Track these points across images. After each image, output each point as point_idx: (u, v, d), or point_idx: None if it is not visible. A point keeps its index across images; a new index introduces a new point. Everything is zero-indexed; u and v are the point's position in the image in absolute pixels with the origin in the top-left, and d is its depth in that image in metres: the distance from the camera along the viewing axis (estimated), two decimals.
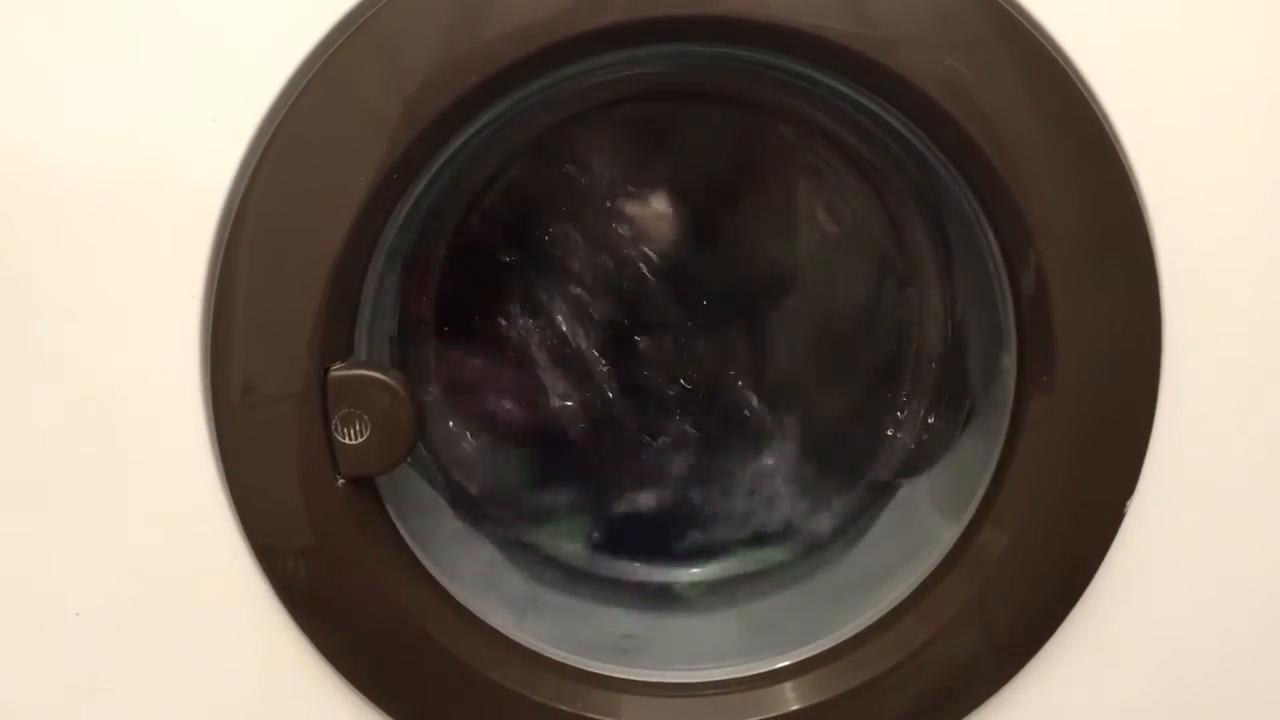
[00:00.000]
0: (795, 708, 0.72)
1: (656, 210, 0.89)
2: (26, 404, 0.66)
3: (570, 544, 0.90)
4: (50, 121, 0.63)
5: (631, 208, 0.89)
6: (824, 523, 0.89)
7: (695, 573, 0.90)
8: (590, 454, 0.92)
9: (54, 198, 0.64)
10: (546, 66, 0.64)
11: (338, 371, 0.66)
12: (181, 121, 0.63)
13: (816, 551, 0.88)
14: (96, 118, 0.63)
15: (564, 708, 0.71)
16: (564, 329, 0.90)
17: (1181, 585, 0.72)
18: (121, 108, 0.63)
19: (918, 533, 0.79)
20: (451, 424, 0.90)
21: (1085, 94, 0.64)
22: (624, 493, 0.91)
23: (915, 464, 0.88)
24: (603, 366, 0.91)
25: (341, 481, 0.67)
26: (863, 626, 0.73)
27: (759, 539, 0.90)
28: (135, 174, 0.63)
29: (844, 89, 0.68)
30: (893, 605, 0.74)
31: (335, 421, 0.66)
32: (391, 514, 0.71)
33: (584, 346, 0.91)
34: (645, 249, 0.88)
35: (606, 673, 0.73)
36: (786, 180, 0.90)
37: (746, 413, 0.92)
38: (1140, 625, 0.72)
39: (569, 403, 0.92)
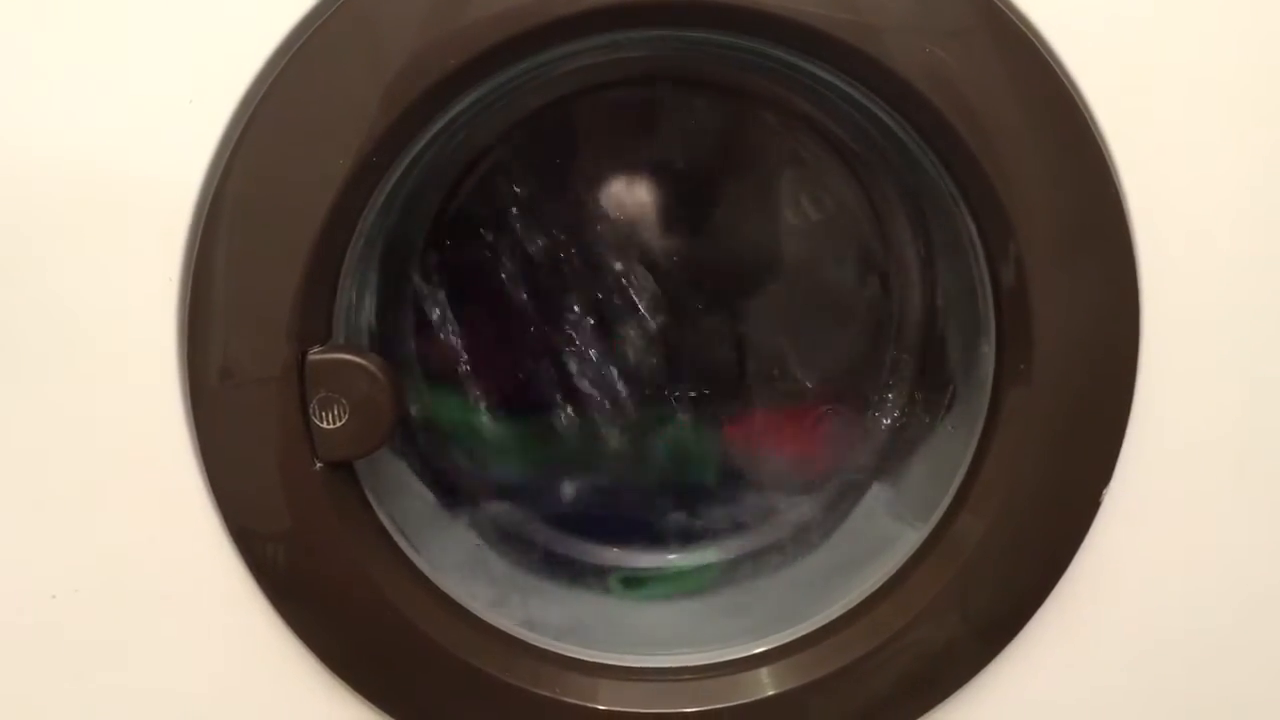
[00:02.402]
0: (772, 693, 0.72)
1: (638, 195, 0.89)
2: (1, 388, 0.66)
3: (548, 527, 0.90)
4: (26, 103, 0.62)
5: (613, 193, 0.88)
6: (804, 508, 0.89)
7: (673, 558, 0.90)
8: (570, 437, 0.92)
9: (30, 180, 0.63)
10: (528, 50, 0.64)
11: (316, 355, 0.66)
12: (159, 103, 0.62)
13: (796, 537, 0.88)
14: (72, 99, 0.62)
15: (541, 691, 0.71)
16: (545, 313, 0.90)
17: (1157, 572, 0.72)
18: (98, 89, 0.62)
19: (895, 518, 0.80)
20: (432, 407, 0.89)
21: (1067, 85, 0.64)
22: (604, 477, 0.91)
23: (895, 450, 0.88)
24: (583, 350, 0.91)
25: (319, 466, 0.67)
26: (840, 612, 0.74)
27: (739, 525, 0.91)
28: (112, 156, 0.63)
29: (827, 76, 0.68)
30: (870, 591, 0.74)
31: (313, 405, 0.66)
32: (370, 498, 0.71)
33: (564, 329, 0.91)
34: (626, 234, 0.88)
35: (583, 657, 0.74)
36: (769, 167, 0.89)
37: (726, 397, 0.92)
38: (1116, 611, 0.73)
39: (550, 385, 0.91)
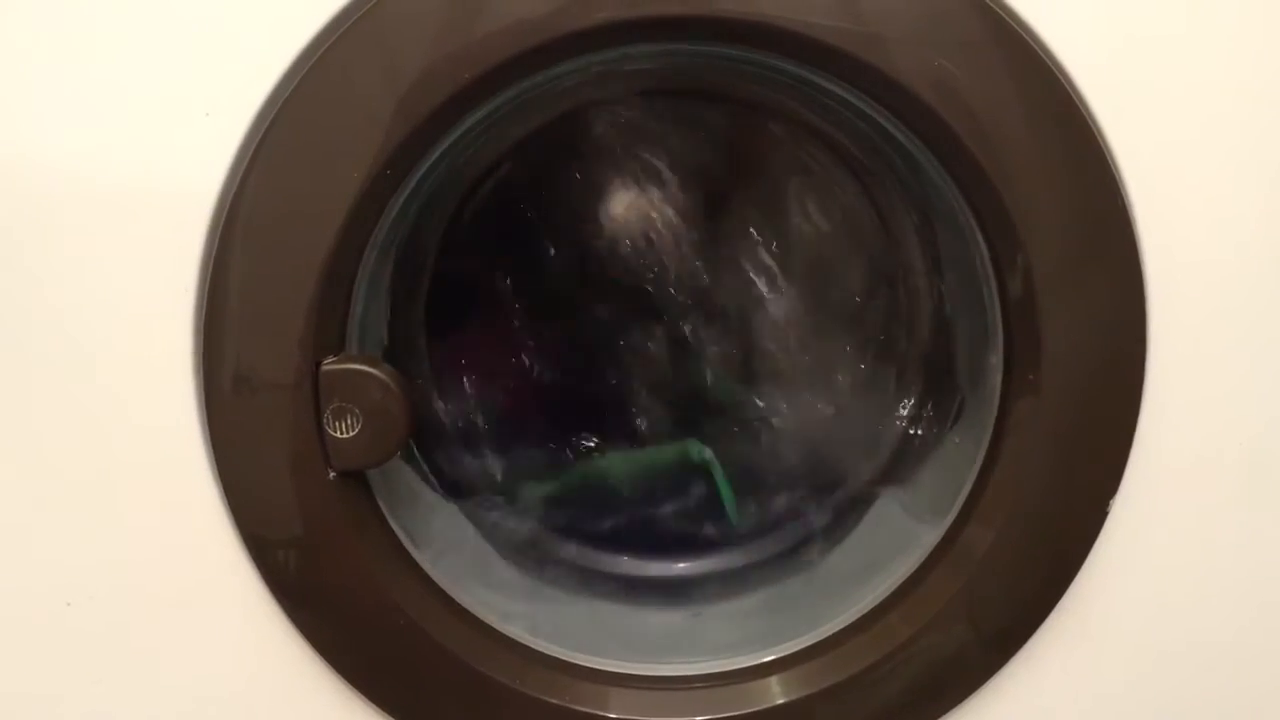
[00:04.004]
0: (781, 701, 0.72)
1: (649, 206, 0.89)
2: (19, 394, 0.66)
3: (559, 536, 0.90)
4: (46, 114, 0.63)
5: (624, 203, 0.89)
6: (812, 518, 0.89)
7: (683, 567, 0.91)
8: (580, 447, 0.92)
9: (49, 190, 0.64)
10: (540, 64, 0.64)
11: (330, 365, 0.66)
12: (177, 115, 0.63)
13: (805, 547, 0.89)
14: (92, 111, 0.63)
15: (552, 700, 0.71)
16: (555, 323, 0.90)
17: (1164, 582, 0.72)
18: (117, 101, 0.63)
19: (903, 529, 0.80)
20: (444, 417, 0.90)
21: (1074, 97, 0.64)
22: (612, 486, 0.92)
23: (903, 460, 0.88)
24: (594, 360, 0.91)
25: (333, 475, 0.67)
26: (849, 622, 0.74)
27: (748, 534, 0.91)
28: (130, 167, 0.63)
29: (835, 89, 0.68)
30: (878, 600, 0.74)
31: (327, 415, 0.66)
32: (382, 507, 0.71)
33: (575, 340, 0.91)
34: (637, 244, 0.89)
35: (594, 665, 0.74)
36: (777, 178, 0.90)
37: (734, 410, 0.92)
38: (1123, 621, 0.73)
39: (561, 395, 0.92)
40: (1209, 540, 0.72)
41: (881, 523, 0.85)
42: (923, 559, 0.73)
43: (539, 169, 0.88)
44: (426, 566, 0.73)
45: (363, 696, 0.71)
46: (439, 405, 0.90)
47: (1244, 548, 0.72)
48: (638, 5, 0.62)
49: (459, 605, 0.73)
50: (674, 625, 0.84)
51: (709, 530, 0.91)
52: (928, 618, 0.71)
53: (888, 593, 0.74)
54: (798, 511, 0.90)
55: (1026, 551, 0.70)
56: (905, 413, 0.90)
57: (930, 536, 0.74)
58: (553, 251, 0.89)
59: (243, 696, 0.72)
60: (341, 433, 0.66)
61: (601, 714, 0.72)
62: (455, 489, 0.87)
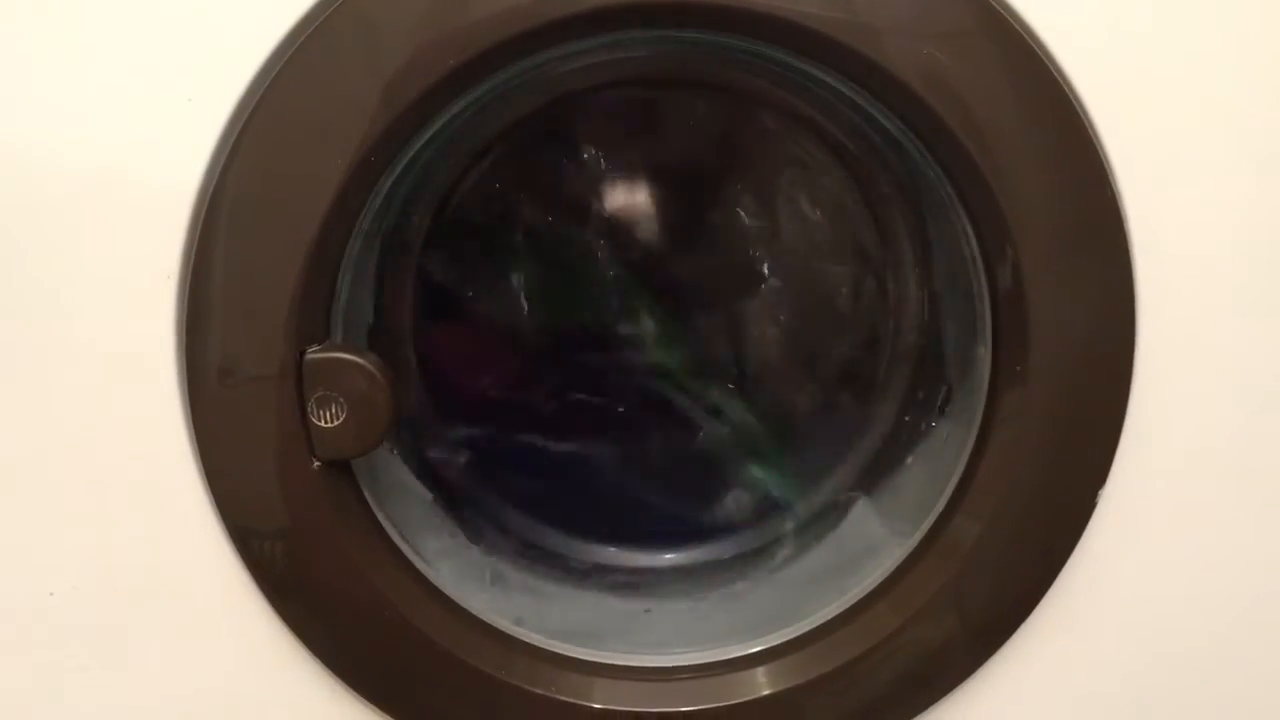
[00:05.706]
0: (767, 692, 0.72)
1: (637, 195, 0.89)
2: (0, 385, 0.66)
3: (545, 527, 0.90)
4: (26, 101, 0.63)
5: (612, 193, 0.89)
6: (798, 509, 0.90)
7: (670, 558, 0.90)
8: (567, 438, 0.92)
9: (29, 177, 0.63)
10: (527, 50, 0.64)
11: (314, 354, 0.66)
12: (158, 101, 0.62)
13: (791, 537, 0.89)
14: (72, 97, 0.62)
15: (538, 690, 0.71)
16: (542, 313, 0.90)
17: (1152, 573, 0.72)
18: (97, 87, 0.62)
19: (891, 520, 0.80)
20: (429, 407, 0.90)
21: (1065, 88, 0.64)
22: (598, 477, 0.92)
23: (890, 451, 0.88)
24: (580, 350, 0.91)
25: (317, 464, 0.67)
26: (835, 613, 0.74)
27: (734, 524, 0.91)
28: (111, 154, 0.63)
29: (826, 78, 0.68)
30: (866, 591, 0.74)
31: (311, 404, 0.66)
32: (367, 497, 0.71)
33: (562, 330, 0.91)
34: (625, 234, 0.89)
35: (579, 656, 0.74)
36: (767, 168, 0.90)
37: (722, 398, 0.92)
38: (1111, 612, 0.73)
39: (546, 386, 0.92)
40: (1197, 531, 0.72)
41: (867, 514, 0.85)
42: (909, 550, 0.73)
43: (527, 156, 0.87)
44: (411, 556, 0.72)
45: (347, 687, 0.71)
46: (424, 394, 0.89)
47: (1232, 538, 0.72)
48: None
49: (444, 595, 0.73)
50: (660, 615, 0.84)
51: (697, 522, 0.91)
52: (915, 609, 0.71)
53: (875, 584, 0.74)
54: (784, 502, 0.90)
55: (1015, 542, 0.70)
56: (893, 403, 0.90)
57: (921, 522, 0.74)
58: (541, 238, 0.89)
59: (227, 687, 0.72)
60: (326, 422, 0.66)
61: (586, 704, 0.71)
62: (440, 478, 0.87)
